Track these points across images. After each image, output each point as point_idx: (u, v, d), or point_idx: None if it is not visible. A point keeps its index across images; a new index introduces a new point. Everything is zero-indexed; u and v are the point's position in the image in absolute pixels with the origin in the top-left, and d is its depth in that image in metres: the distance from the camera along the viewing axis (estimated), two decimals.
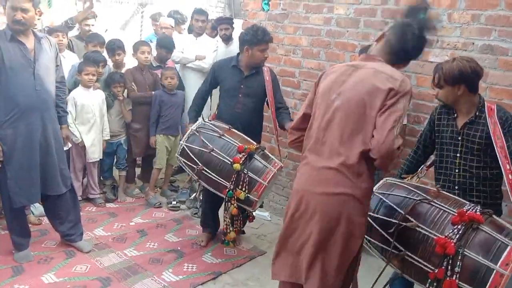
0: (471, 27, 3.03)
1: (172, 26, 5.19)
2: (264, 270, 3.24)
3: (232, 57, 3.59)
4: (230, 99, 3.47)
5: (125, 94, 4.32)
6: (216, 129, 3.26)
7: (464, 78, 2.37)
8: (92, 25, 4.78)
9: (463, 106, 2.47)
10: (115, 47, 4.39)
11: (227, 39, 5.12)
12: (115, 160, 4.51)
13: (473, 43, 3.03)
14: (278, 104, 3.50)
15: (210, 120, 3.42)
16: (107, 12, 5.19)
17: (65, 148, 3.38)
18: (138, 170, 4.92)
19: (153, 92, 4.39)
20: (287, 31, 4.12)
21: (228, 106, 3.47)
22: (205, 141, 3.19)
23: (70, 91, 4.05)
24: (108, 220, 3.96)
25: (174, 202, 4.40)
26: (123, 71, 4.46)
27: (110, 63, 4.46)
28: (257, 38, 3.31)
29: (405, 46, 2.07)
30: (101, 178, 4.50)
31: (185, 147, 3.25)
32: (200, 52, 4.84)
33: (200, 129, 3.28)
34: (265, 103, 3.55)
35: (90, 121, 4.03)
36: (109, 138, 4.25)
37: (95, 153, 4.12)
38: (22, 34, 2.90)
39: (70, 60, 4.35)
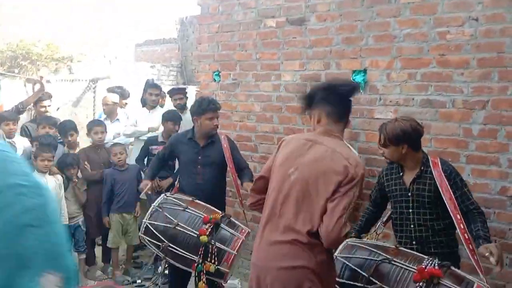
0: (409, 84, 3.28)
1: (114, 103, 5.21)
2: None
3: (188, 130, 3.67)
4: (189, 171, 3.49)
5: (79, 174, 4.25)
6: (179, 202, 3.24)
7: (406, 138, 2.54)
8: (49, 105, 4.76)
9: (409, 163, 2.62)
10: (67, 128, 4.36)
11: (182, 108, 5.20)
12: (73, 243, 4.32)
13: (413, 99, 3.26)
14: (240, 166, 3.57)
15: (172, 194, 3.40)
16: (58, 90, 5.18)
17: None
18: (98, 250, 4.72)
19: (103, 171, 4.33)
20: (239, 99, 4.27)
21: (188, 178, 3.49)
22: (169, 216, 3.14)
23: None
24: None
25: (139, 281, 4.24)
26: (77, 150, 4.40)
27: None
28: (201, 108, 3.42)
29: (345, 101, 2.20)
30: None
31: (148, 225, 3.18)
32: (154, 125, 4.87)
33: (162, 204, 3.24)
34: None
35: None
36: (67, 223, 4.10)
37: None
38: None
39: (20, 145, 4.26)
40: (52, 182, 3.96)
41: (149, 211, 3.26)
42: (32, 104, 4.79)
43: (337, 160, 2.03)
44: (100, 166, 4.38)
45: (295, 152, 2.14)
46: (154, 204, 3.27)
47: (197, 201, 3.30)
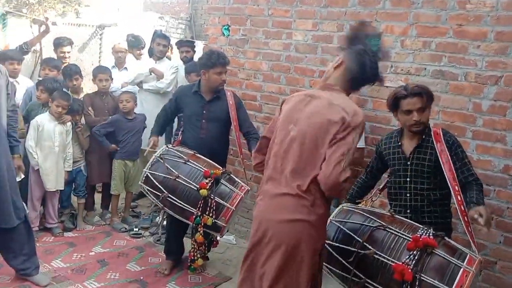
0: (423, 53, 3.19)
1: (126, 50, 5.18)
2: None
3: (194, 83, 3.61)
4: (193, 125, 3.46)
5: (82, 120, 4.24)
6: (181, 155, 3.24)
7: None
8: (68, 52, 4.72)
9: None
10: (72, 72, 4.31)
11: (188, 62, 5.12)
12: (73, 187, 4.37)
13: (425, 69, 3.19)
14: (247, 129, 3.51)
15: (174, 146, 3.39)
16: (64, 34, 5.08)
17: (17, 179, 3.24)
18: (98, 197, 4.77)
19: (109, 117, 4.32)
20: (247, 56, 4.19)
21: (192, 132, 3.46)
22: (170, 168, 3.15)
23: (24, 117, 3.93)
24: (66, 251, 3.81)
25: (136, 229, 4.30)
26: (81, 96, 4.37)
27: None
28: (211, 61, 3.33)
29: (365, 74, 2.16)
30: (59, 207, 4.33)
31: (149, 174, 3.20)
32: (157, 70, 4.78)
33: (164, 155, 3.24)
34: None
35: (47, 149, 3.90)
36: (71, 169, 4.13)
37: (48, 183, 3.96)
38: None
39: (23, 85, 4.23)
40: (60, 127, 3.95)
41: (150, 160, 3.27)
42: (52, 48, 4.74)
43: (334, 111, 2.04)
44: (105, 113, 4.37)
45: (294, 108, 2.16)
46: (155, 154, 3.27)
47: (198, 155, 3.30)
